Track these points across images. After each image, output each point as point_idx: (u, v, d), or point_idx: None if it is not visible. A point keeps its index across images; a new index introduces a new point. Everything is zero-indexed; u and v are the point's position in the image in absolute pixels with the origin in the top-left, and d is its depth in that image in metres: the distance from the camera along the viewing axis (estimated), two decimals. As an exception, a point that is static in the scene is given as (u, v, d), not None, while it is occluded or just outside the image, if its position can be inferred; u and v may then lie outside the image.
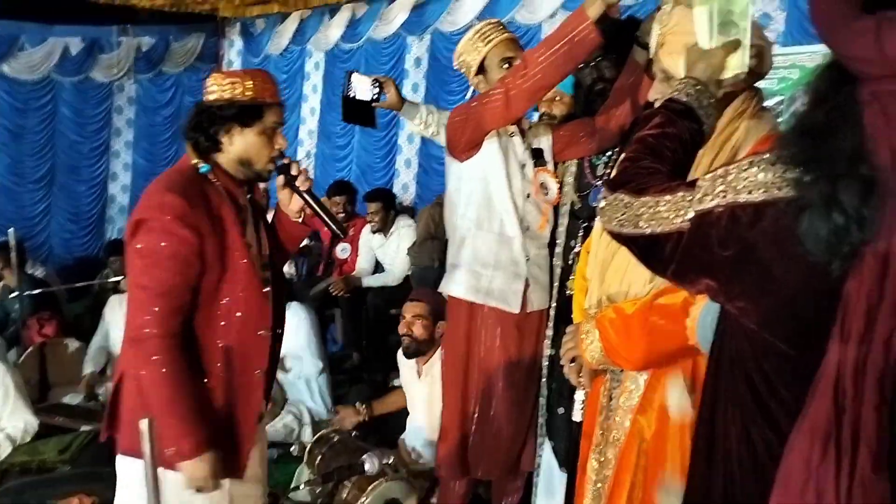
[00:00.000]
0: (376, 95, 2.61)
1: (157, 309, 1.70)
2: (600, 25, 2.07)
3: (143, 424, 1.89)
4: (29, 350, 4.28)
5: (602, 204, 1.27)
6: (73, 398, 4.06)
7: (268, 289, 1.87)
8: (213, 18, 8.07)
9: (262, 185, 2.02)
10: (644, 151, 1.25)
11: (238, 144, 1.81)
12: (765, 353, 1.06)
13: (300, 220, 1.98)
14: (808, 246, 0.91)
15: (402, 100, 2.64)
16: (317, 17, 7.33)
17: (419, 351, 3.20)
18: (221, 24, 8.30)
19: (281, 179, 1.88)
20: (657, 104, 1.42)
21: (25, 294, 4.90)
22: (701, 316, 1.39)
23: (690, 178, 1.46)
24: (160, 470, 1.67)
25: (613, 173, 1.27)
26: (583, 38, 2.09)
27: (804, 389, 1.00)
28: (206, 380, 1.80)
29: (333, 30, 7.10)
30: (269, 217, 2.05)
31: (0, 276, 5.31)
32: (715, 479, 1.14)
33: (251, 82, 1.80)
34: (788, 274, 1.00)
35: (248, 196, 1.92)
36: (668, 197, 1.13)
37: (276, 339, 1.98)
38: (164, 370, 1.70)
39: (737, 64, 1.39)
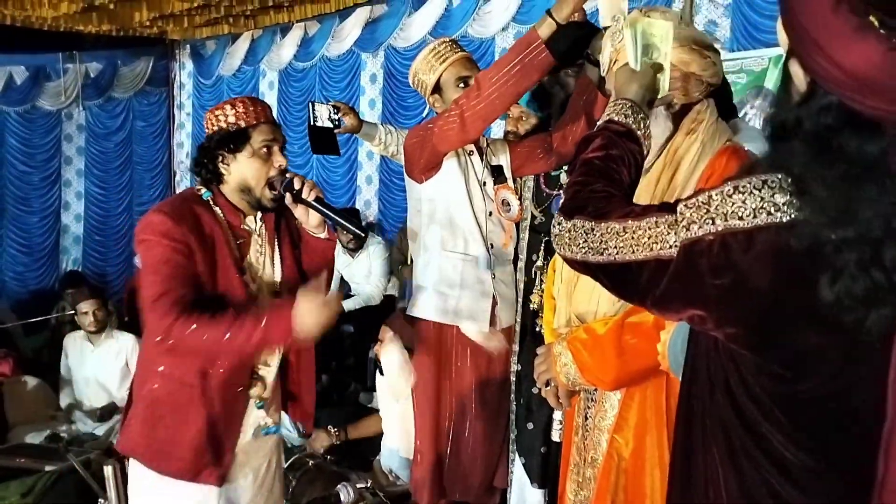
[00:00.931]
0: (337, 121, 2.61)
1: (163, 304, 1.73)
2: (568, 33, 2.10)
3: (108, 470, 1.87)
4: (-16, 390, 4.15)
5: (557, 230, 1.22)
6: (34, 437, 3.94)
7: None
8: (161, 41, 7.96)
9: None
10: (593, 174, 1.23)
11: (235, 172, 1.87)
12: (757, 375, 1.03)
13: (324, 233, 1.99)
14: (834, 306, 0.90)
15: (361, 122, 2.64)
16: (268, 37, 7.29)
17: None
18: (171, 46, 8.20)
19: (289, 197, 1.89)
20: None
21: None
22: (671, 342, 1.39)
23: (643, 196, 1.48)
24: (159, 481, 1.81)
25: (564, 199, 1.23)
26: (534, 58, 2.12)
27: (803, 412, 1.00)
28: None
29: (286, 49, 7.07)
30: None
31: None
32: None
33: (232, 109, 1.86)
34: (784, 298, 0.97)
35: (263, 222, 1.94)
36: (638, 223, 1.09)
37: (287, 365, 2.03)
38: (204, 326, 1.71)
39: (661, 87, 1.42)
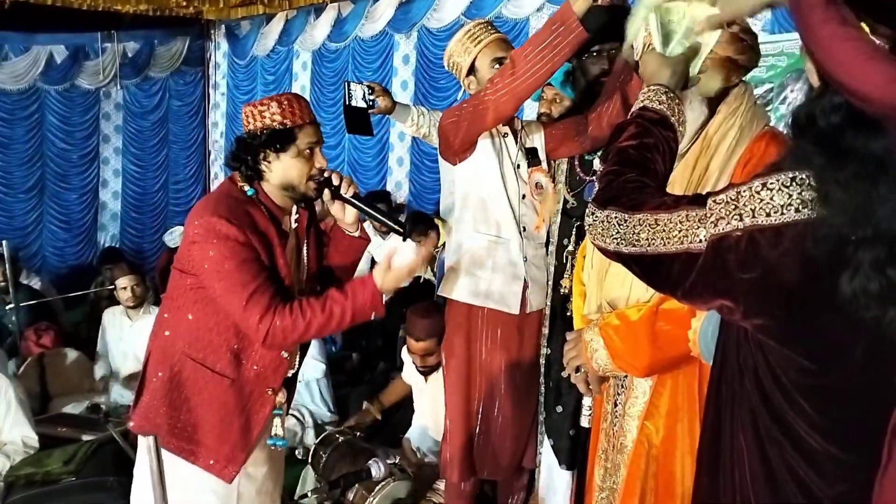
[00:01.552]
0: (371, 102, 2.62)
1: (264, 305, 1.76)
2: (600, 15, 2.07)
3: (149, 440, 1.93)
4: (28, 361, 4.27)
5: (591, 220, 1.23)
6: (74, 408, 4.06)
7: None
8: (197, 21, 8.04)
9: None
10: (627, 164, 1.23)
11: (277, 170, 1.87)
12: (783, 365, 1.05)
13: (357, 231, 2.01)
14: (853, 303, 0.91)
15: (394, 103, 2.65)
16: (302, 18, 7.31)
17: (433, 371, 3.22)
18: (206, 26, 8.27)
19: (327, 194, 1.91)
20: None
21: (21, 305, 4.90)
22: (702, 328, 1.39)
23: (678, 183, 1.47)
24: (175, 465, 1.84)
25: (597, 188, 1.24)
26: (567, 35, 2.10)
27: (828, 403, 1.02)
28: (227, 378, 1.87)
29: (319, 29, 7.08)
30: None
31: None
32: (722, 491, 1.14)
33: (279, 107, 1.84)
34: (811, 293, 0.98)
35: (296, 218, 1.97)
36: (669, 215, 1.11)
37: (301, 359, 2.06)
38: (300, 324, 1.77)
39: (692, 71, 1.40)
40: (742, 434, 1.10)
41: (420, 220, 4.80)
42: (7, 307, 4.88)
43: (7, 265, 4.73)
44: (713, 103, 1.54)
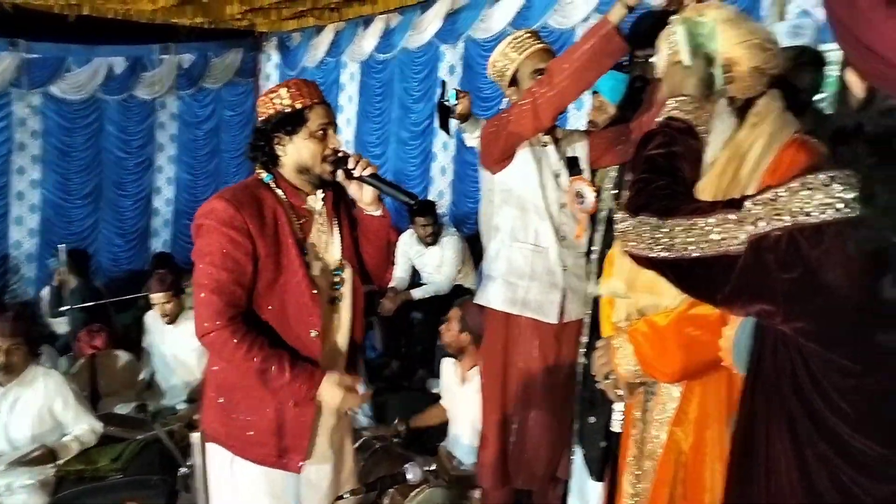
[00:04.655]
0: (456, 105, 2.73)
1: (212, 304, 1.80)
2: (644, 25, 2.07)
3: (195, 438, 1.98)
4: (80, 362, 4.41)
5: (623, 227, 1.22)
6: (123, 408, 4.17)
7: (315, 291, 1.91)
8: (250, 34, 8.22)
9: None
10: (656, 171, 1.23)
11: (291, 153, 1.90)
12: (824, 369, 1.03)
13: (378, 211, 2.01)
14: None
15: (471, 112, 2.74)
16: (351, 29, 7.42)
17: (452, 353, 3.31)
18: (259, 38, 8.46)
19: (341, 174, 1.93)
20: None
21: (75, 307, 5.07)
22: (736, 338, 1.37)
23: (708, 191, 1.46)
24: (238, 465, 1.88)
25: (628, 196, 1.24)
26: (605, 45, 2.10)
27: (869, 405, 1.00)
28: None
29: (368, 41, 7.18)
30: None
31: (61, 285, 5.53)
32: (755, 497, 1.12)
33: (287, 91, 1.88)
34: (853, 293, 0.97)
35: (324, 202, 1.98)
36: (706, 219, 1.09)
37: (354, 346, 2.07)
38: (242, 349, 1.79)
39: (716, 80, 1.43)
40: (779, 442, 1.09)
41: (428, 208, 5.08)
42: (61, 308, 5.07)
43: (65, 267, 4.90)
44: (742, 112, 1.55)
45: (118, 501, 3.07)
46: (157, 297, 4.21)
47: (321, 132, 1.89)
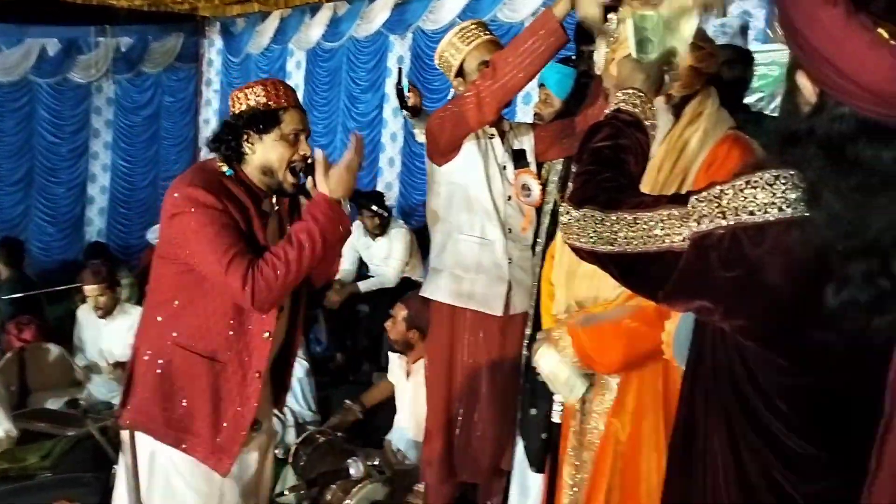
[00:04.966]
0: (407, 97, 2.75)
1: (237, 270, 1.74)
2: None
3: (125, 434, 1.91)
4: (7, 356, 4.23)
5: (566, 219, 1.21)
6: (54, 403, 4.02)
7: None
8: (192, 18, 8.00)
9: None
10: (602, 163, 1.22)
11: (259, 152, 1.87)
12: (762, 367, 1.04)
13: None
14: (838, 312, 0.90)
15: (422, 107, 2.76)
16: (297, 16, 7.29)
17: (398, 349, 3.30)
18: (201, 23, 8.23)
19: (310, 181, 1.90)
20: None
21: (4, 297, 4.85)
22: (676, 333, 1.39)
23: (646, 184, 1.48)
24: (161, 457, 1.86)
25: (572, 188, 1.23)
26: (548, 38, 2.11)
27: (804, 403, 1.01)
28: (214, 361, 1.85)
29: (314, 29, 7.06)
30: None
31: None
32: (693, 490, 1.13)
33: (263, 88, 1.85)
34: (793, 293, 0.97)
35: (276, 205, 1.96)
36: (650, 214, 1.09)
37: (287, 349, 2.04)
38: (281, 266, 1.75)
39: (665, 77, 1.44)
40: (716, 437, 1.09)
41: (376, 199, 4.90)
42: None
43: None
44: (678, 109, 1.59)
45: (48, 500, 2.95)
46: (90, 290, 4.06)
47: (293, 136, 1.87)
